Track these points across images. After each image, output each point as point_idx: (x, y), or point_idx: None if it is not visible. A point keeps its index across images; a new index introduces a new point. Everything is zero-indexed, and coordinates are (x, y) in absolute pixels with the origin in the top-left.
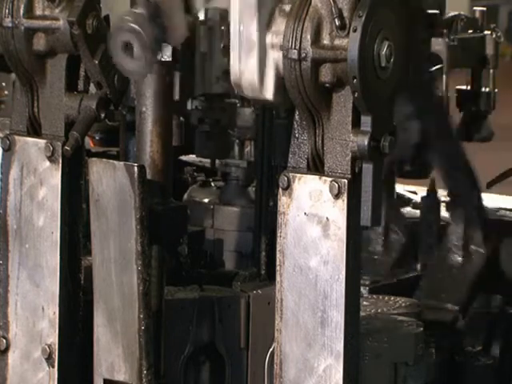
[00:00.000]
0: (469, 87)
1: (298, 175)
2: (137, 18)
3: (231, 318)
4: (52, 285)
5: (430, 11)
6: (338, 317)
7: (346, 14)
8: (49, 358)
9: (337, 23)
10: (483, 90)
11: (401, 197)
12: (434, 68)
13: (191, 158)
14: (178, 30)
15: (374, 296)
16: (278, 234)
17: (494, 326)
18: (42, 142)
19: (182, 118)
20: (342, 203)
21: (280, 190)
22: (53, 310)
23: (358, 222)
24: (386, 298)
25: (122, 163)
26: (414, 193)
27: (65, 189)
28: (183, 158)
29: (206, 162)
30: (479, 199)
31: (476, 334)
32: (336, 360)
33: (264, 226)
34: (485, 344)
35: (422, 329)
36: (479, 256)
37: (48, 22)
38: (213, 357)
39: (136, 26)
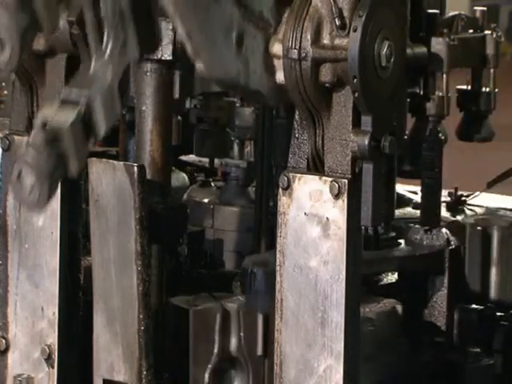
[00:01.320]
0: (469, 87)
1: (298, 175)
2: (33, 146)
3: (251, 326)
4: (51, 285)
5: (430, 11)
6: (338, 317)
7: (346, 13)
8: (48, 359)
9: (337, 23)
10: (484, 89)
11: (401, 197)
12: None
13: (191, 157)
14: (78, 157)
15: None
16: (278, 234)
17: (494, 327)
18: None
19: (179, 117)
20: (342, 203)
21: (280, 189)
22: (52, 311)
23: (359, 222)
24: (370, 298)
25: (121, 163)
26: (415, 193)
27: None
28: (183, 157)
29: (206, 161)
30: None
31: (476, 334)
32: (336, 360)
33: (264, 226)
34: (485, 344)
35: (372, 328)
36: None
37: None
38: (235, 365)
39: (29, 157)
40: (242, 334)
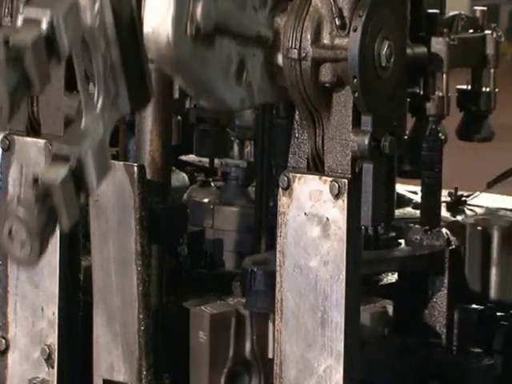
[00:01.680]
0: (469, 87)
1: (298, 175)
2: (23, 203)
3: (262, 330)
4: (51, 285)
5: (430, 11)
6: (338, 317)
7: (346, 13)
8: (48, 359)
9: (337, 23)
10: (484, 89)
11: (401, 197)
12: None
13: (191, 157)
14: (69, 213)
15: None
16: (278, 234)
17: (495, 327)
18: (41, 141)
19: (179, 117)
20: (343, 203)
21: (280, 189)
22: (52, 311)
23: (359, 222)
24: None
25: (121, 163)
26: (415, 193)
27: None
28: (183, 157)
29: (206, 161)
30: None
31: (476, 334)
32: (336, 360)
33: (264, 226)
34: (486, 344)
35: None
36: None
37: None
38: (250, 369)
39: (20, 213)
40: (254, 337)
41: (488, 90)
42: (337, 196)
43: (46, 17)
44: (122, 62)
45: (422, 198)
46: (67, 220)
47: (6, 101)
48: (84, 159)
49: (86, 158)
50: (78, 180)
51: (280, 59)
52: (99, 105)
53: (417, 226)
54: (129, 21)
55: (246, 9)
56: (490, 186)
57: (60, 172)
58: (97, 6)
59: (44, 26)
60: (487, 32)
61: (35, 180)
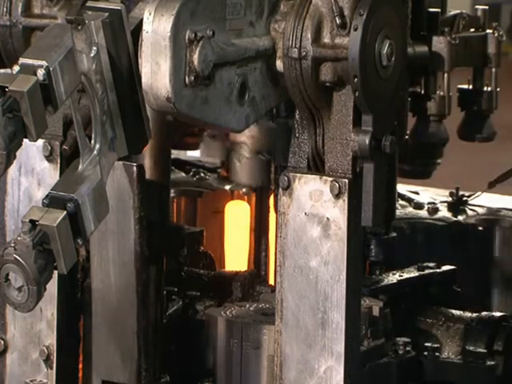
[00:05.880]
0: (470, 86)
1: (299, 175)
2: (20, 248)
3: None
4: (50, 286)
5: (431, 10)
6: (338, 318)
7: (346, 12)
8: (47, 360)
9: (337, 22)
10: (485, 89)
11: (402, 197)
12: None
13: (191, 157)
14: (66, 257)
15: None
16: (278, 235)
17: (498, 328)
18: (40, 141)
19: None
20: (343, 203)
21: (280, 189)
22: (51, 312)
23: (359, 222)
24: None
25: (120, 163)
26: (416, 193)
27: None
28: (183, 157)
29: (206, 161)
30: None
31: (479, 335)
32: (337, 361)
33: (264, 225)
34: (488, 345)
35: None
36: None
37: (46, 20)
38: None
39: (17, 257)
40: None
41: (489, 89)
42: (337, 196)
43: (42, 65)
44: (119, 106)
45: None
46: (63, 264)
47: (3, 148)
48: (81, 203)
49: (84, 202)
50: (75, 224)
51: (280, 65)
52: (96, 148)
53: None
54: (126, 65)
55: (243, 31)
56: (491, 186)
57: (57, 217)
58: (93, 50)
59: (40, 74)
60: (489, 31)
61: (32, 226)
